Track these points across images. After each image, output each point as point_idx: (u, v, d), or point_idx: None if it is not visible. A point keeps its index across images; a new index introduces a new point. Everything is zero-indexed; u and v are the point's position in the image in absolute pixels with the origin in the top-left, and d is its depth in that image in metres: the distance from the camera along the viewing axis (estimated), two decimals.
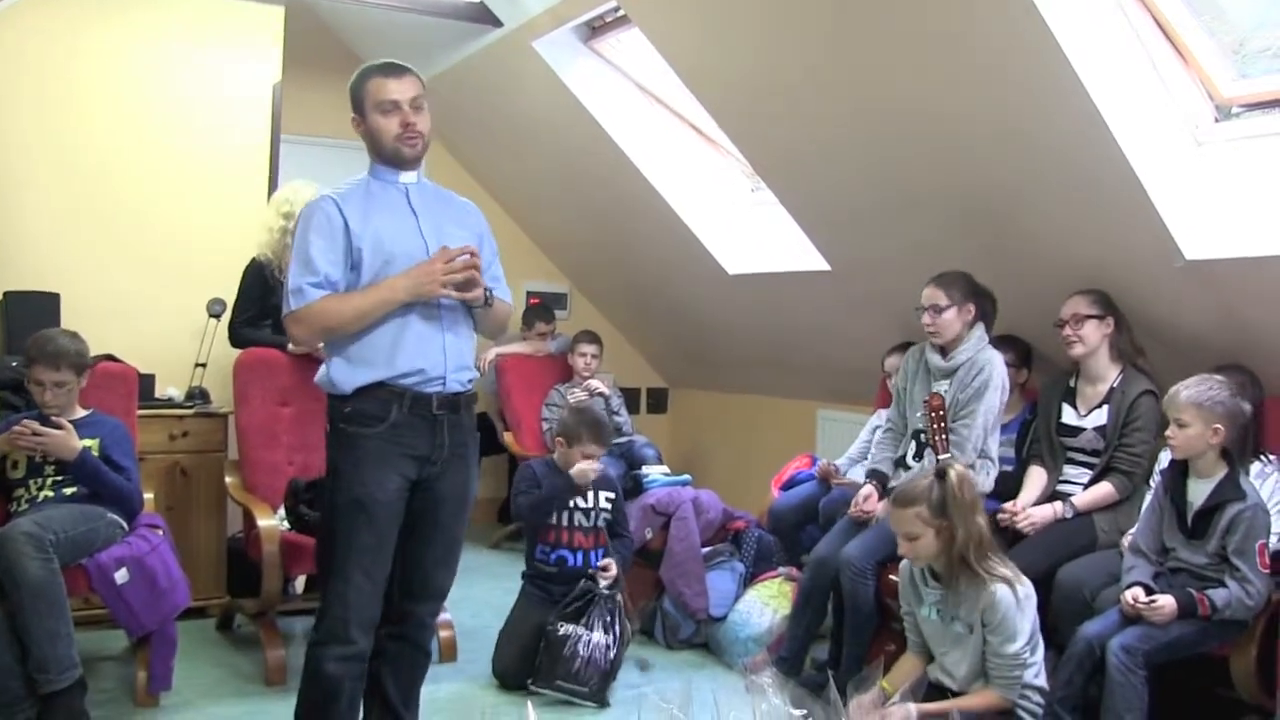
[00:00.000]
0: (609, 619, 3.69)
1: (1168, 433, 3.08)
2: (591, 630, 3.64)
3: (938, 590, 3.01)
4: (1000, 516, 3.51)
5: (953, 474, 2.93)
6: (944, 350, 3.67)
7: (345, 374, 2.62)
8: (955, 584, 2.94)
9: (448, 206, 2.80)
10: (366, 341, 2.61)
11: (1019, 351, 3.99)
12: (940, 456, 3.42)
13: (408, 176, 2.72)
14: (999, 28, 3.15)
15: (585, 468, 3.86)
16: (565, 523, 3.89)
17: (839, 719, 2.39)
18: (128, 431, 3.63)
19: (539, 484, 3.91)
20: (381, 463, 2.60)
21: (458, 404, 2.69)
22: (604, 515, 3.95)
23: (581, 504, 3.91)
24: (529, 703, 2.82)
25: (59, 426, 3.30)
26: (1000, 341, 3.91)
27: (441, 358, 2.64)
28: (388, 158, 2.69)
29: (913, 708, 2.78)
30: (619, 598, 3.78)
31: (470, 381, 2.73)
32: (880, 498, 3.65)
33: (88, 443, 3.39)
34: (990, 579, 2.88)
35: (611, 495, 4.01)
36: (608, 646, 3.62)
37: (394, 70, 2.65)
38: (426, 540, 2.72)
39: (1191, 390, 3.02)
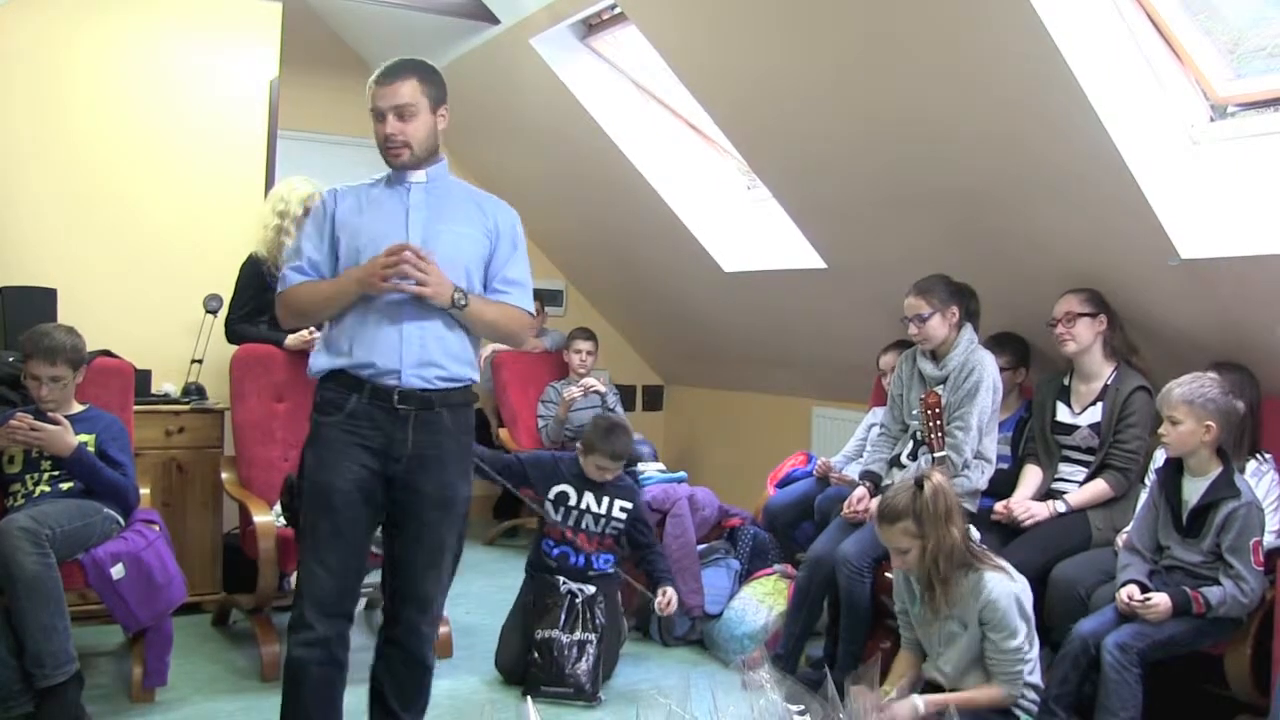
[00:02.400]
0: (588, 616, 3.70)
1: (1161, 430, 3.09)
2: (570, 631, 3.66)
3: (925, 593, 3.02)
4: (994, 515, 3.52)
5: (928, 485, 2.90)
6: (935, 355, 3.67)
7: (317, 359, 2.70)
8: (932, 591, 2.93)
9: (456, 204, 2.74)
10: (337, 330, 2.67)
11: (1017, 351, 3.98)
12: (936, 454, 3.43)
13: (416, 176, 2.70)
14: (995, 26, 3.15)
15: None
16: (573, 523, 3.88)
17: (836, 715, 2.39)
18: (124, 427, 3.62)
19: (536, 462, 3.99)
20: (337, 451, 2.61)
21: (429, 401, 2.63)
22: (615, 525, 3.90)
23: (594, 509, 3.88)
24: (528, 699, 2.81)
25: (55, 422, 3.30)
26: (999, 340, 3.92)
27: (396, 353, 2.61)
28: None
29: (919, 700, 2.79)
30: (599, 597, 3.76)
31: (443, 380, 2.65)
32: (873, 498, 3.65)
33: (84, 438, 3.38)
34: (970, 581, 2.88)
35: (628, 506, 3.92)
36: (587, 643, 3.63)
37: (383, 77, 2.63)
38: (412, 540, 2.70)
39: (1184, 388, 3.04)
